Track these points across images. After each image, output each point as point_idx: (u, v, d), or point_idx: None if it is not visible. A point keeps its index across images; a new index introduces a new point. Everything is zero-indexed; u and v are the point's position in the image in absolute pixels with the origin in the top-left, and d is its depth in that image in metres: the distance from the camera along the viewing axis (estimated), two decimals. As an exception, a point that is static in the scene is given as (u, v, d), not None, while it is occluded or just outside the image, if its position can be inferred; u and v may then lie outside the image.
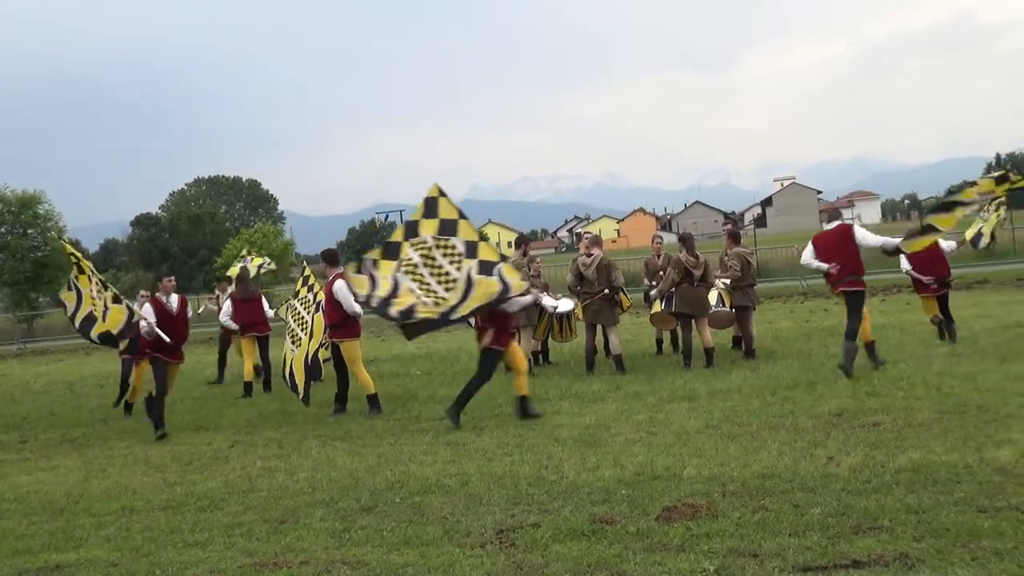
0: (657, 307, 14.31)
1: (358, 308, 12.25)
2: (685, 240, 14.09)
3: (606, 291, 13.56)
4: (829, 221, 12.44)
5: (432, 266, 10.36)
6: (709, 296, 13.85)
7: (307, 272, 13.43)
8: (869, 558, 5.20)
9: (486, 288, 10.20)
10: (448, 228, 10.43)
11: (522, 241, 15.36)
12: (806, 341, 15.36)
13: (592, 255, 13.84)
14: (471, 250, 10.35)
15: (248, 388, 15.27)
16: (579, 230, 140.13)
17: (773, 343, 15.38)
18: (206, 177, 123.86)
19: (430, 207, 10.53)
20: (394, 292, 10.38)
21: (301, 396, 11.97)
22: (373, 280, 10.44)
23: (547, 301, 14.75)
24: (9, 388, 20.80)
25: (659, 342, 15.87)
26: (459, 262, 10.31)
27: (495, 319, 10.73)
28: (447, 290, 10.27)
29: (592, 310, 13.76)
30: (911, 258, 13.46)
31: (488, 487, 7.62)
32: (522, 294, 10.59)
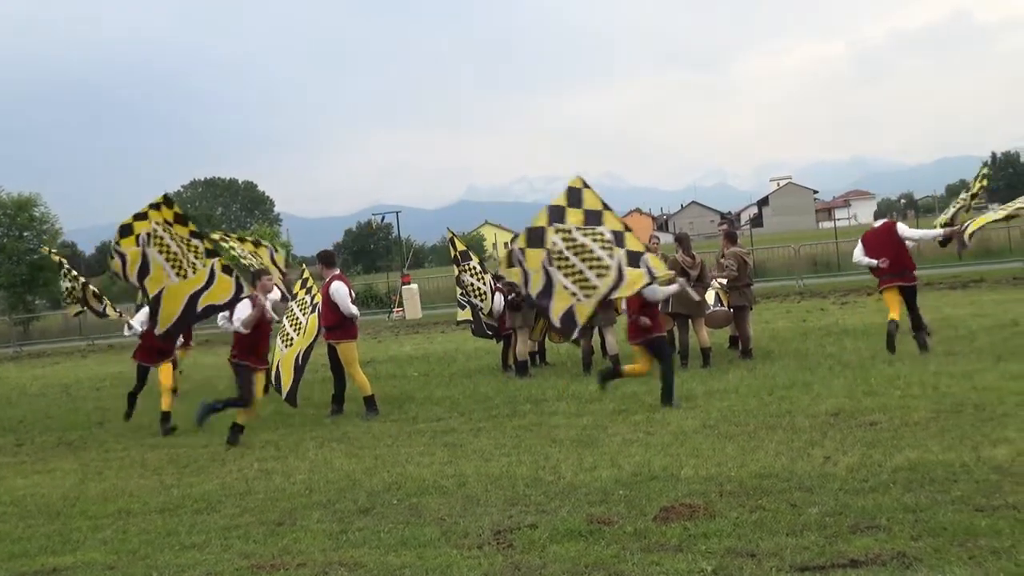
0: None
1: (354, 310, 12.25)
2: (681, 240, 14.09)
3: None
4: (876, 219, 13.02)
5: (582, 253, 10.39)
6: (706, 296, 13.86)
7: (306, 275, 13.40)
8: (867, 557, 5.20)
9: (635, 279, 10.25)
10: (593, 219, 10.49)
11: (519, 241, 15.30)
12: (803, 341, 15.36)
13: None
14: (619, 239, 10.42)
15: None
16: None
17: (770, 343, 15.39)
18: (202, 179, 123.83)
19: (574, 197, 10.57)
20: (548, 290, 10.45)
21: (285, 396, 11.94)
22: (524, 273, 10.57)
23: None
24: (5, 391, 20.75)
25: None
26: (610, 249, 10.36)
27: (647, 308, 10.87)
28: (599, 276, 10.31)
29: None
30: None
31: (485, 488, 7.62)
32: (668, 282, 10.86)
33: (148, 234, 10.77)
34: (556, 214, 10.50)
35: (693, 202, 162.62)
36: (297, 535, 6.77)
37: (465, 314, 15.59)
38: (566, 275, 10.41)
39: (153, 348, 12.60)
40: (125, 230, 10.84)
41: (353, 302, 12.34)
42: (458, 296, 15.77)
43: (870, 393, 10.13)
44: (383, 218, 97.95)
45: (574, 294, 10.36)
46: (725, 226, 15.46)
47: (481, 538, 6.25)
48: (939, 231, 13.47)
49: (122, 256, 10.95)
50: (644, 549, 5.70)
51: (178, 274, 10.77)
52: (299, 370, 11.84)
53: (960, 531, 5.49)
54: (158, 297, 10.91)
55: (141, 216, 10.81)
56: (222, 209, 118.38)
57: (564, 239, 10.43)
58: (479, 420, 10.91)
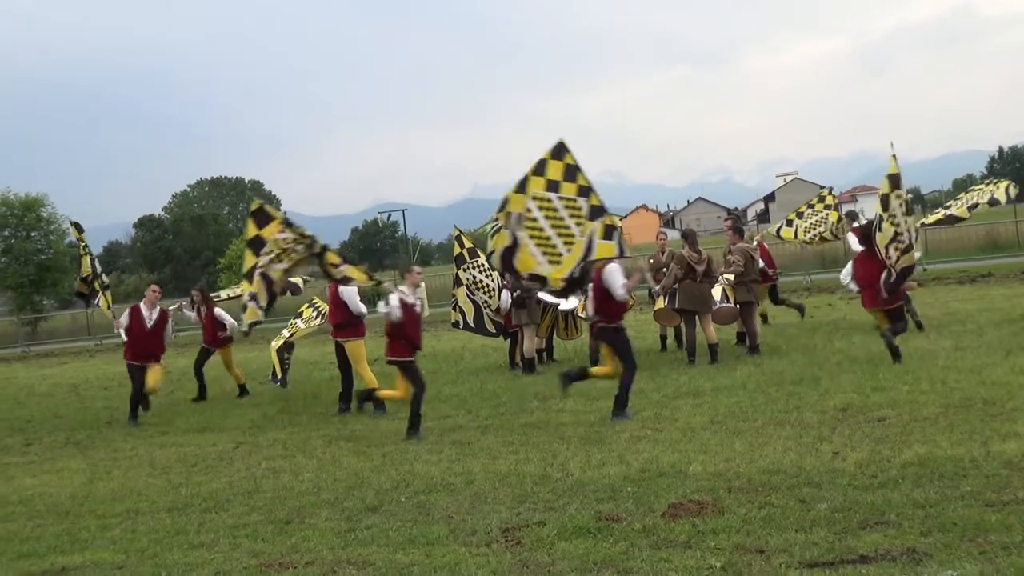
0: (660, 304, 14.28)
1: (363, 308, 12.27)
2: (688, 236, 14.06)
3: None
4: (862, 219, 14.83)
5: (897, 224, 11.44)
6: (713, 292, 13.83)
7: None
8: (876, 553, 5.18)
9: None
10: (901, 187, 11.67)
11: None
12: (810, 336, 15.32)
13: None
14: (909, 208, 11.65)
15: (243, 388, 15.36)
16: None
17: (777, 338, 15.35)
18: (208, 178, 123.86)
19: (894, 181, 11.51)
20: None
21: (273, 378, 12.03)
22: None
23: (550, 297, 14.72)
24: (14, 391, 20.81)
25: (663, 339, 15.84)
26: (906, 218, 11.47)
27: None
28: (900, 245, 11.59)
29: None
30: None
31: (493, 486, 7.61)
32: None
33: (520, 214, 9.85)
34: (894, 180, 11.45)
35: (699, 198, 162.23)
36: (305, 533, 6.77)
37: (455, 315, 15.66)
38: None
39: (407, 340, 10.53)
40: (503, 205, 9.97)
41: (361, 300, 12.39)
42: (453, 294, 15.82)
43: (878, 388, 10.11)
44: (388, 216, 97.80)
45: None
46: (730, 221, 15.42)
47: (489, 536, 6.25)
48: None
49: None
50: (653, 546, 5.69)
51: (551, 261, 9.89)
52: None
53: (970, 527, 5.47)
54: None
55: (520, 186, 9.87)
56: (229, 208, 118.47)
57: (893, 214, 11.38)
58: (486, 418, 10.91)
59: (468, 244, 15.77)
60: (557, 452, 8.63)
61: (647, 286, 15.84)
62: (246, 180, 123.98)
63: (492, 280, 15.08)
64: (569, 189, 9.76)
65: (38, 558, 6.85)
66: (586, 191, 9.77)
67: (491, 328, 15.42)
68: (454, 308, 15.78)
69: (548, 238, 9.87)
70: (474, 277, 15.23)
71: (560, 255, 9.89)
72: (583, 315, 14.51)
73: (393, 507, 7.30)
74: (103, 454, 11.20)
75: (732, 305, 14.14)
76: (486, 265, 15.11)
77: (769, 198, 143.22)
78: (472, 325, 15.55)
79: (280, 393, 14.83)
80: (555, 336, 15.86)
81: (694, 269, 13.46)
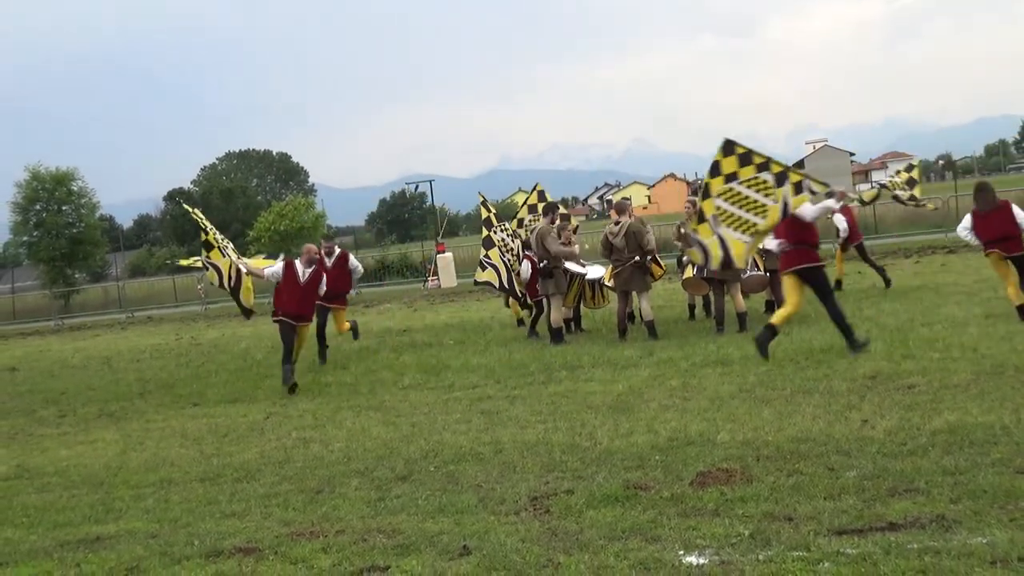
0: (689, 272, 14.22)
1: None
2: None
3: (636, 258, 13.48)
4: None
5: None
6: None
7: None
8: (905, 520, 5.17)
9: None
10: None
11: (550, 209, 15.25)
12: (840, 304, 15.20)
13: (619, 222, 13.76)
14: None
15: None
16: (610, 197, 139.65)
17: (807, 307, 15.23)
18: (236, 151, 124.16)
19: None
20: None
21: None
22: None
23: (575, 266, 14.69)
24: (47, 364, 21.06)
25: (691, 307, 15.78)
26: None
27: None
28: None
29: (623, 277, 13.69)
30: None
31: (522, 455, 7.64)
32: None
33: (714, 216, 10.46)
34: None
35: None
36: (336, 503, 6.83)
37: (486, 275, 15.64)
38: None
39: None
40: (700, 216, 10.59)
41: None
42: (481, 257, 15.81)
43: (908, 356, 10.03)
44: (416, 187, 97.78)
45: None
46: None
47: (518, 504, 6.28)
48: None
49: (700, 245, 10.66)
50: (681, 514, 5.70)
51: (747, 231, 10.42)
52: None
53: (1000, 494, 5.44)
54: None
55: (704, 193, 10.54)
56: (257, 181, 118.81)
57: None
58: (515, 387, 10.93)
59: (493, 210, 15.90)
60: (585, 421, 8.65)
61: (677, 254, 15.80)
62: (274, 152, 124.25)
63: (516, 246, 15.29)
64: (748, 172, 10.27)
65: (73, 527, 6.96)
66: (765, 165, 10.25)
67: (515, 289, 15.52)
68: (483, 268, 15.81)
69: (744, 219, 10.38)
70: (503, 240, 15.37)
71: (755, 226, 10.40)
72: (610, 284, 14.49)
73: (422, 476, 7.34)
74: (136, 425, 11.33)
75: (762, 273, 14.07)
76: (512, 231, 15.47)
77: (799, 165, 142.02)
78: (506, 285, 15.58)
79: (310, 364, 14.91)
80: (582, 305, 15.85)
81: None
